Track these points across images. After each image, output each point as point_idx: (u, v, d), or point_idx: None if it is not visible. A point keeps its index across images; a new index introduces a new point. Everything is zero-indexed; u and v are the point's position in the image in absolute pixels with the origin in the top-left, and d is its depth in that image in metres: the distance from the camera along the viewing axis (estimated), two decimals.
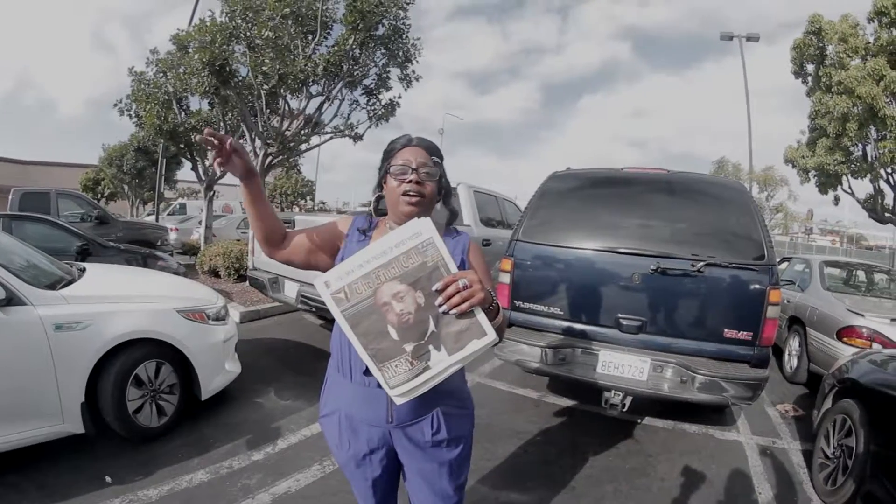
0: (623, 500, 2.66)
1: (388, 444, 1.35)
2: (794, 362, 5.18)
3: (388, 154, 1.35)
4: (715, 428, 3.65)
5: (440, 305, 1.10)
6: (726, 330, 2.95)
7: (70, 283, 2.93)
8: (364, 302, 1.11)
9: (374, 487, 1.42)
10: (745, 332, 2.91)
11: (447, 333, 1.14)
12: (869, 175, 12.74)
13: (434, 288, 1.11)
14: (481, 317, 1.13)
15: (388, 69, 8.52)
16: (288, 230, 1.37)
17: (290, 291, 4.76)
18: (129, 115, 10.11)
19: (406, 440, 1.33)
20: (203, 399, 3.13)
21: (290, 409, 3.49)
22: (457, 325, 1.13)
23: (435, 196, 1.34)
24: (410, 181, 1.27)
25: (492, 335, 1.14)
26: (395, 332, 1.12)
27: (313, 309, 4.57)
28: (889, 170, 12.48)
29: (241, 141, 9.86)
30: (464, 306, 1.09)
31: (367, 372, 1.21)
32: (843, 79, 11.12)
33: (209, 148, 1.15)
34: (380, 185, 1.39)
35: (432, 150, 1.36)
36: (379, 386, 1.19)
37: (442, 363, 1.15)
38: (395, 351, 1.13)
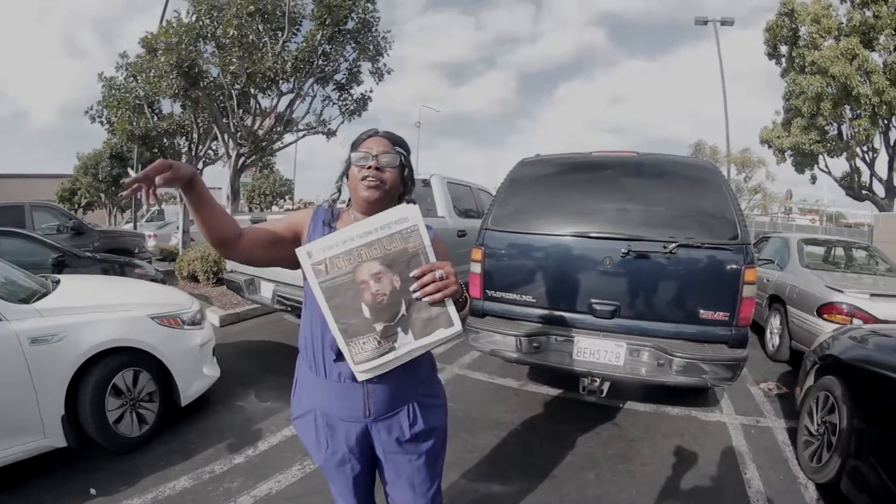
0: (605, 487, 2.66)
1: (367, 440, 1.36)
2: (776, 340, 5.24)
3: (353, 146, 1.37)
4: (698, 409, 3.67)
5: (414, 291, 1.15)
6: (702, 311, 2.94)
7: (44, 295, 2.88)
8: (342, 277, 1.15)
9: (355, 486, 1.42)
10: (721, 313, 2.91)
11: (416, 319, 1.19)
12: (845, 154, 12.99)
13: (412, 274, 1.16)
14: (451, 308, 1.18)
15: (358, 63, 8.49)
16: (243, 228, 1.32)
17: (266, 292, 4.72)
18: (101, 122, 9.98)
19: (385, 434, 1.34)
20: (183, 405, 3.11)
21: (271, 411, 3.47)
22: (427, 313, 1.18)
23: (396, 185, 1.35)
24: (370, 167, 1.29)
25: (458, 326, 1.19)
26: (368, 311, 1.16)
27: (289, 308, 4.53)
28: (864, 148, 12.72)
29: (213, 142, 9.81)
30: (437, 296, 1.14)
31: (337, 359, 1.25)
32: (817, 59, 11.29)
33: (138, 195, 1.14)
34: (344, 175, 1.40)
35: (396, 142, 1.37)
36: (354, 380, 1.24)
37: (407, 346, 1.20)
38: (365, 329, 1.17)
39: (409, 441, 1.36)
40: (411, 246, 1.16)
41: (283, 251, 1.33)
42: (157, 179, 1.10)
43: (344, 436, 1.34)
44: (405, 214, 1.16)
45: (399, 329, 1.18)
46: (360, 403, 1.30)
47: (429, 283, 1.14)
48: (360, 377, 1.21)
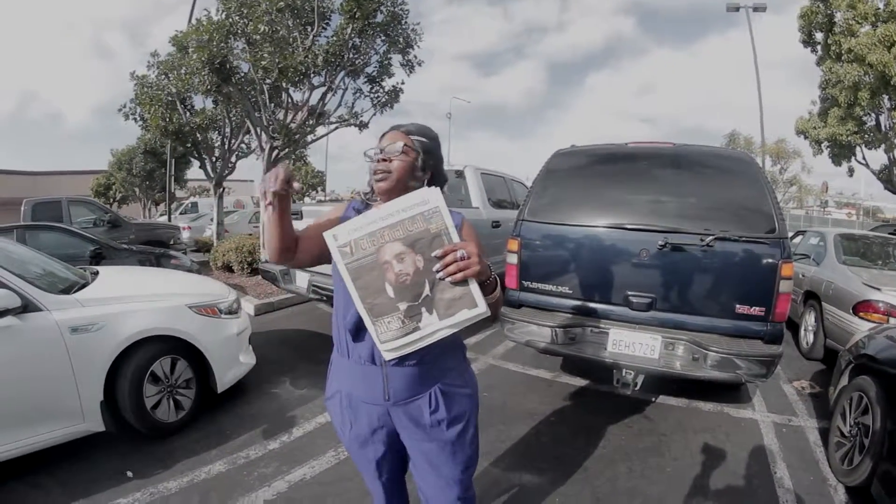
0: (636, 481, 2.65)
1: (389, 423, 1.39)
2: (811, 338, 5.11)
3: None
4: (730, 406, 3.62)
5: (437, 271, 1.17)
6: (738, 305, 2.89)
7: (84, 286, 2.98)
8: (367, 258, 1.19)
9: (378, 468, 1.47)
10: (757, 308, 2.86)
11: (440, 299, 1.20)
12: (883, 145, 12.47)
13: (434, 254, 1.18)
14: (474, 288, 1.19)
15: (389, 56, 8.47)
16: (297, 233, 1.40)
17: (302, 282, 4.81)
18: (135, 119, 10.23)
19: (406, 419, 1.37)
20: (219, 392, 3.19)
21: (305, 398, 3.54)
22: (450, 293, 1.20)
23: (407, 172, 1.38)
24: (378, 160, 1.37)
25: (482, 308, 1.20)
26: (392, 291, 1.19)
27: (324, 298, 4.61)
28: None
29: (246, 136, 9.96)
30: (459, 275, 1.16)
31: (356, 339, 1.32)
32: (853, 46, 10.84)
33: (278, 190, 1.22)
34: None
35: (414, 133, 1.42)
36: (372, 362, 1.31)
37: (431, 326, 1.22)
38: (390, 308, 1.20)
39: (433, 427, 1.37)
40: (434, 227, 1.19)
41: (326, 251, 1.37)
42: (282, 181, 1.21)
43: (366, 418, 1.39)
44: (427, 197, 1.19)
45: (423, 309, 1.21)
46: (379, 387, 1.34)
47: (451, 262, 1.15)
48: (387, 356, 1.24)
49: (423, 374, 1.34)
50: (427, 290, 1.20)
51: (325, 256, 1.34)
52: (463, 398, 1.42)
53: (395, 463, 1.49)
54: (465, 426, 1.41)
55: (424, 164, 1.42)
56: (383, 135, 1.45)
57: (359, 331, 1.30)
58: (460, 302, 1.20)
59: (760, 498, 2.53)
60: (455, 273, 1.15)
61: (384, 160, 1.37)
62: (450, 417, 1.38)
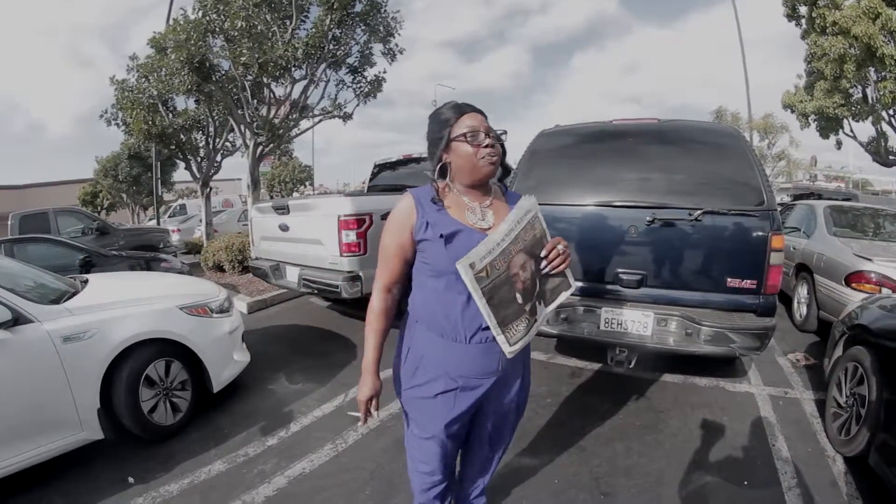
0: (635, 458, 2.66)
1: (485, 395, 1.49)
2: (804, 310, 5.15)
3: (446, 123, 1.39)
4: (726, 380, 3.64)
5: (543, 268, 1.36)
6: (729, 279, 2.89)
7: (74, 295, 2.95)
8: (500, 276, 1.27)
9: (459, 436, 1.58)
10: (748, 281, 2.86)
11: (546, 289, 1.41)
12: (871, 117, 12.52)
13: (542, 254, 1.35)
14: (568, 272, 1.44)
15: (369, 45, 8.41)
16: (382, 286, 1.47)
17: (292, 276, 4.79)
18: (117, 124, 10.13)
19: (502, 387, 1.52)
20: (215, 391, 3.19)
21: (302, 393, 3.54)
22: (552, 282, 1.42)
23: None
24: (488, 145, 1.35)
25: (574, 285, 1.47)
26: (520, 297, 1.32)
27: (315, 291, 4.59)
28: (891, 111, 12.25)
29: (230, 134, 9.87)
30: (562, 266, 1.38)
31: (485, 327, 1.35)
32: (838, 19, 10.85)
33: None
34: (439, 155, 1.42)
35: (485, 116, 1.44)
36: (493, 340, 1.36)
37: (542, 314, 1.42)
38: (518, 312, 1.33)
39: (517, 392, 1.58)
40: (538, 231, 1.36)
41: (410, 255, 1.43)
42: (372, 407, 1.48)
43: (476, 395, 1.45)
44: (530, 206, 1.34)
45: (537, 302, 1.38)
46: (496, 359, 1.42)
47: (554, 257, 1.35)
48: (511, 356, 1.36)
49: (524, 350, 1.48)
50: (538, 286, 1.37)
51: (411, 262, 1.45)
52: (527, 359, 1.63)
53: (462, 437, 1.63)
54: (529, 381, 1.65)
55: (503, 153, 1.45)
56: (460, 115, 1.39)
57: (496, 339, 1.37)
58: (560, 286, 1.44)
59: (759, 470, 2.55)
60: (560, 265, 1.36)
61: (494, 146, 1.37)
62: (528, 380, 1.64)
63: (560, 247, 1.36)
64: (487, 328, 1.33)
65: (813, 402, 3.34)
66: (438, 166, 1.42)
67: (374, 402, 1.47)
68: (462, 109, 1.39)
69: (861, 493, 2.35)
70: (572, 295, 3.14)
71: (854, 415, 2.62)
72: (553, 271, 1.35)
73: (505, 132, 1.43)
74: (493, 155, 1.35)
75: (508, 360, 1.42)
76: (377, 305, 1.46)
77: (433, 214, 1.36)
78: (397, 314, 1.52)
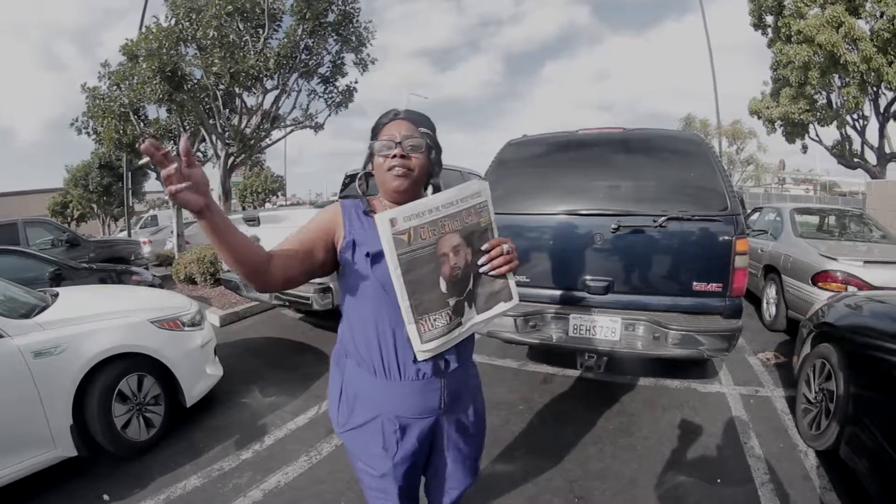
0: (608, 461, 2.70)
1: (433, 430, 1.32)
2: (773, 310, 5.29)
3: (374, 131, 1.26)
4: (697, 381, 3.72)
5: (482, 265, 1.17)
6: (695, 283, 2.96)
7: (44, 309, 2.89)
8: (425, 249, 1.10)
9: (414, 478, 1.37)
10: (714, 284, 2.93)
11: (480, 293, 1.20)
12: (835, 122, 12.96)
13: (483, 248, 1.17)
14: (512, 281, 1.22)
15: (341, 55, 8.43)
16: (270, 250, 1.16)
17: None
18: (88, 133, 9.88)
19: (452, 420, 1.34)
20: (188, 406, 3.14)
21: (275, 405, 3.51)
22: (490, 287, 1.21)
23: (425, 170, 1.26)
24: (395, 155, 1.20)
25: (516, 299, 1.24)
26: (445, 285, 1.13)
27: (287, 303, 4.55)
28: (854, 116, 12.70)
29: (202, 144, 9.75)
30: (504, 269, 1.18)
31: (416, 359, 1.19)
32: (803, 28, 11.24)
33: (154, 163, 0.95)
34: (367, 164, 1.30)
35: (420, 122, 1.26)
36: (435, 374, 1.23)
37: (471, 321, 1.21)
38: (439, 304, 1.13)
39: (471, 420, 1.38)
40: (483, 221, 1.18)
41: (319, 258, 1.22)
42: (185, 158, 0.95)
43: (417, 433, 1.27)
44: (479, 189, 1.17)
45: (465, 304, 1.18)
46: (437, 396, 1.25)
47: (496, 256, 1.17)
48: (422, 356, 1.17)
49: (465, 371, 1.33)
50: (470, 284, 1.18)
51: (314, 271, 1.22)
52: (478, 384, 1.46)
53: (420, 468, 1.41)
54: (483, 409, 1.47)
55: (435, 161, 1.29)
56: (386, 122, 1.25)
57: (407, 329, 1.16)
58: (498, 295, 1.21)
59: (732, 467, 2.60)
60: (500, 266, 1.17)
61: (403, 156, 1.20)
62: (481, 409, 1.44)
63: (506, 246, 1.17)
64: (419, 362, 1.19)
65: (784, 399, 3.42)
66: (364, 176, 1.30)
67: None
68: (389, 118, 1.26)
69: (833, 485, 2.43)
70: (545, 303, 3.24)
71: (824, 410, 2.70)
72: (493, 272, 1.17)
73: (428, 133, 1.26)
74: (400, 167, 1.19)
75: (453, 393, 1.28)
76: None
77: (360, 232, 1.21)
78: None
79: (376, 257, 1.14)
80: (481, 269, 1.17)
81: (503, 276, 1.19)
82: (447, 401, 1.28)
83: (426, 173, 1.27)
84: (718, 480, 2.49)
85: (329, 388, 1.37)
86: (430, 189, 1.33)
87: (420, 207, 1.09)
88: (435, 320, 1.13)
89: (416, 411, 1.25)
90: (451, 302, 1.14)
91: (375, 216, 1.06)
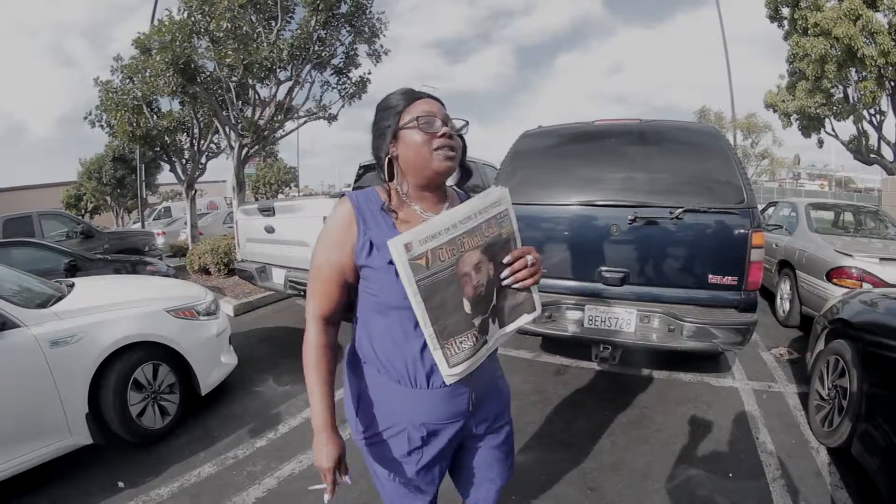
0: (620, 454, 2.70)
1: (462, 434, 1.24)
2: (787, 306, 5.24)
3: (394, 109, 1.10)
4: (710, 375, 3.70)
5: (504, 278, 1.08)
6: (711, 276, 2.93)
7: (60, 299, 2.92)
8: (445, 271, 0.99)
9: (436, 483, 1.29)
10: (730, 277, 2.90)
11: (502, 306, 1.12)
12: (851, 117, 12.74)
13: (505, 260, 1.08)
14: (535, 292, 1.14)
15: (354, 46, 8.40)
16: (317, 314, 1.15)
17: (278, 278, 4.76)
18: (101, 126, 9.97)
19: (480, 421, 1.26)
20: (203, 394, 3.18)
21: (289, 394, 3.54)
22: (513, 299, 1.12)
23: (462, 156, 1.16)
24: (443, 134, 1.07)
25: (539, 310, 1.16)
26: (469, 306, 1.04)
27: (302, 293, 4.57)
28: (871, 110, 12.49)
29: (215, 136, 9.78)
30: (528, 281, 1.09)
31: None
32: (820, 20, 11.03)
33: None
34: (385, 149, 1.12)
35: (443, 105, 1.16)
36: (462, 380, 1.13)
37: (495, 336, 1.13)
38: (464, 326, 1.04)
39: (497, 419, 1.30)
40: (504, 232, 1.07)
41: (353, 281, 1.14)
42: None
43: (444, 438, 1.19)
44: (499, 198, 1.06)
45: (490, 320, 1.09)
46: (465, 400, 1.17)
47: (520, 268, 1.07)
48: (450, 381, 1.08)
49: (490, 369, 1.25)
50: (494, 300, 1.09)
51: (354, 283, 1.15)
52: (502, 375, 1.39)
53: (443, 472, 1.32)
54: (509, 402, 1.41)
55: (464, 150, 1.19)
56: (411, 100, 1.11)
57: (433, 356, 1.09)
58: (521, 307, 1.14)
59: (744, 462, 2.59)
60: (525, 279, 1.08)
61: (451, 136, 1.09)
62: (507, 399, 1.37)
63: (530, 258, 1.08)
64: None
65: (796, 396, 3.40)
66: (386, 163, 1.12)
67: (341, 465, 1.14)
68: (414, 95, 1.13)
69: (845, 483, 2.41)
70: (560, 293, 3.23)
71: (836, 406, 2.68)
72: (516, 285, 1.08)
73: (467, 123, 1.15)
74: (451, 148, 1.08)
75: (480, 394, 1.21)
76: (315, 339, 1.14)
77: (378, 232, 1.07)
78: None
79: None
80: (504, 283, 1.08)
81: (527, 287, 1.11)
82: (475, 403, 1.20)
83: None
84: (730, 475, 2.48)
85: (344, 392, 1.26)
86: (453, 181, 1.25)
87: (437, 227, 0.98)
88: (461, 342, 1.04)
89: (443, 417, 1.17)
90: (477, 322, 1.06)
91: (389, 242, 0.95)
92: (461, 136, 1.14)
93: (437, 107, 1.11)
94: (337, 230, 1.11)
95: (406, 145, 1.08)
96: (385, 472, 1.22)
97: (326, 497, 1.13)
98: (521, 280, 1.08)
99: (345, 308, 1.18)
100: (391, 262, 0.99)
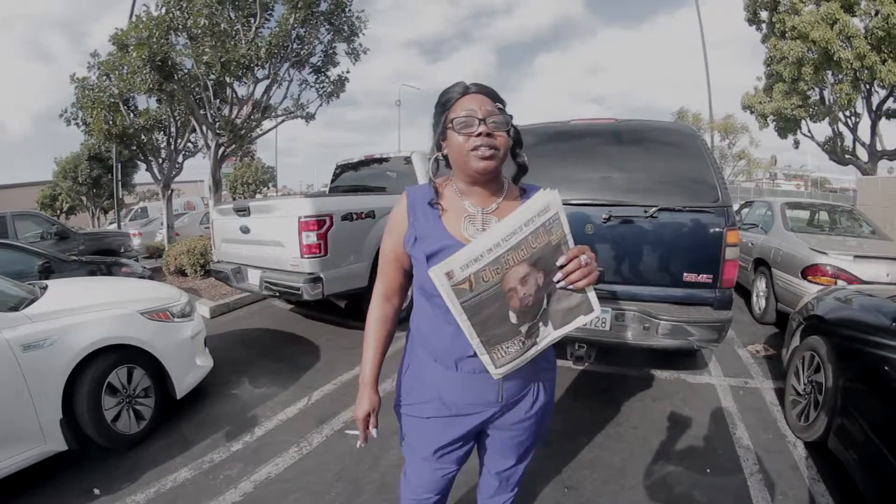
0: (597, 451, 2.71)
1: (489, 422, 1.30)
2: (762, 303, 5.33)
3: (444, 106, 1.16)
4: (687, 372, 3.74)
5: (557, 281, 1.06)
6: (686, 274, 2.96)
7: (33, 301, 2.85)
8: (490, 290, 1.00)
9: (457, 466, 1.37)
10: (705, 275, 2.94)
11: (557, 309, 1.10)
12: (827, 118, 13.02)
13: (558, 263, 1.05)
14: (591, 293, 1.10)
15: (333, 45, 8.35)
16: (382, 293, 1.33)
17: (254, 279, 4.71)
18: (77, 124, 9.74)
19: (508, 414, 1.29)
20: (178, 398, 3.12)
21: (266, 396, 3.50)
22: (567, 301, 1.10)
23: (507, 148, 1.17)
24: (480, 133, 1.10)
25: (598, 311, 1.11)
26: (515, 317, 1.05)
27: (277, 294, 4.54)
28: (847, 113, 12.78)
29: (192, 134, 9.62)
30: (582, 283, 1.06)
31: (473, 355, 1.13)
32: (797, 24, 11.26)
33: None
34: (438, 144, 1.20)
35: (494, 96, 1.17)
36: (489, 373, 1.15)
37: (547, 337, 1.13)
38: (511, 334, 1.06)
39: (530, 415, 1.31)
40: (554, 238, 1.03)
41: (409, 267, 1.26)
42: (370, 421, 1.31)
43: (467, 424, 1.27)
44: (547, 203, 1.02)
45: (540, 324, 1.09)
46: (493, 391, 1.22)
47: (573, 270, 1.04)
48: (497, 376, 1.12)
49: (533, 367, 1.23)
50: (545, 304, 1.08)
51: (410, 274, 1.29)
52: (551, 379, 1.38)
53: (463, 457, 1.39)
54: (551, 405, 1.38)
55: (516, 139, 1.21)
56: (459, 96, 1.15)
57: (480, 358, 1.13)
58: (577, 309, 1.10)
59: (721, 458, 2.63)
60: (578, 281, 1.05)
61: (489, 135, 1.11)
62: (546, 402, 1.34)
63: (584, 258, 1.04)
64: (474, 357, 1.13)
65: (773, 391, 3.46)
66: (434, 159, 1.21)
67: (372, 418, 1.30)
68: (465, 89, 1.16)
69: (822, 476, 2.46)
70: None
71: (812, 401, 2.74)
72: (570, 286, 1.06)
73: (511, 117, 1.18)
74: (486, 147, 1.10)
75: (512, 386, 1.24)
76: (375, 313, 1.32)
77: (424, 225, 1.17)
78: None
79: (432, 257, 1.11)
80: (558, 286, 1.07)
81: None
82: (506, 396, 1.23)
83: (507, 154, 1.19)
84: (708, 470, 2.51)
85: (399, 363, 1.40)
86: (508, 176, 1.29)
87: (478, 250, 0.98)
88: (508, 347, 1.07)
89: (470, 402, 1.23)
90: (524, 329, 1.07)
91: (430, 271, 0.98)
92: (507, 132, 1.15)
93: (480, 102, 1.13)
94: (394, 220, 1.25)
95: (450, 144, 1.15)
96: (413, 443, 1.34)
97: (359, 443, 1.31)
98: (575, 282, 1.05)
99: (405, 288, 1.33)
100: (429, 256, 1.11)
